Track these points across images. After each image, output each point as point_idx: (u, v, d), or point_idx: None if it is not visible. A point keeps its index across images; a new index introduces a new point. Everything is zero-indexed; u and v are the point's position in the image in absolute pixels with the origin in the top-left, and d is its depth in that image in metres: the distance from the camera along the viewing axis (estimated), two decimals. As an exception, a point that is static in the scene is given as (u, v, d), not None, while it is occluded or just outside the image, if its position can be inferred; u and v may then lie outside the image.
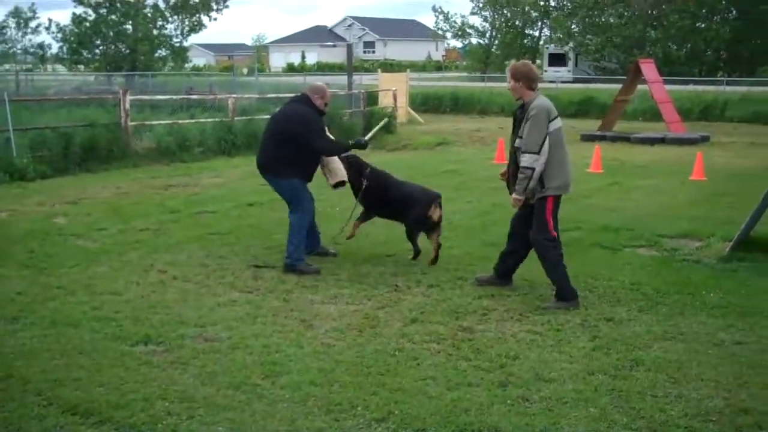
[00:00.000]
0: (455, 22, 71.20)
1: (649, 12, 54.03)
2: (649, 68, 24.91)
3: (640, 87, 26.79)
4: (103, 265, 8.38)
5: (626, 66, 45.34)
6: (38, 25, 56.26)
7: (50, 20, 50.54)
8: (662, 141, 22.61)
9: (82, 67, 52.57)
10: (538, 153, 6.84)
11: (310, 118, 8.26)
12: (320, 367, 5.57)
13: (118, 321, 6.54)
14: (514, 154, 7.15)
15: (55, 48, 53.46)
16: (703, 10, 54.05)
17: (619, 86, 27.41)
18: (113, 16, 48.87)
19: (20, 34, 57.29)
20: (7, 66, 55.25)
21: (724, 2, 55.21)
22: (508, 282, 7.59)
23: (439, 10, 71.83)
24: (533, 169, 6.85)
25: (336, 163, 8.64)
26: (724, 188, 13.96)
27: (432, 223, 8.47)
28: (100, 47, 50.24)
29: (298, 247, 8.25)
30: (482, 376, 5.42)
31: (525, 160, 6.88)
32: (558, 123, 7.01)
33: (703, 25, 54.93)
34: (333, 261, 8.55)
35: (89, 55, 50.83)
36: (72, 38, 48.99)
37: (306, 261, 8.25)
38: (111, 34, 49.14)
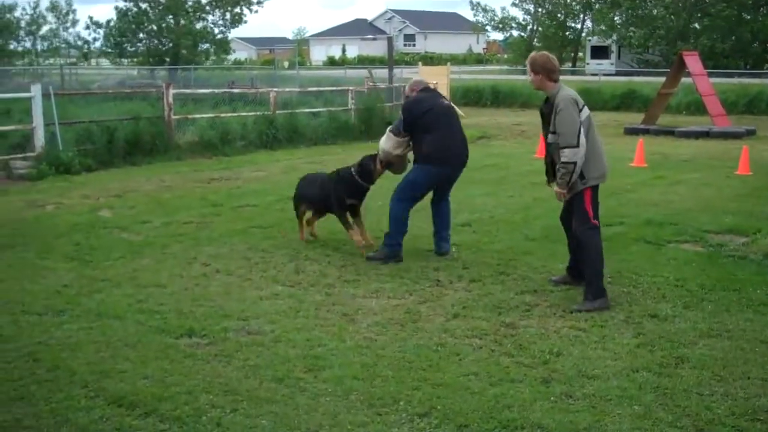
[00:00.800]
0: (495, 15, 70.81)
1: (694, 3, 53.28)
2: (693, 61, 24.57)
3: (684, 80, 26.45)
4: (147, 257, 8.48)
5: (670, 59, 44.88)
6: (76, 21, 57.07)
7: (90, 18, 51.23)
8: (707, 134, 22.31)
9: (125, 60, 53.13)
10: (578, 145, 6.71)
11: None
12: (362, 362, 5.58)
13: (162, 313, 6.61)
14: (549, 149, 7.14)
15: (97, 44, 54.14)
16: (750, 1, 53.18)
17: (662, 79, 27.12)
18: (156, 10, 49.33)
19: (61, 28, 58.09)
20: (51, 60, 55.98)
21: (770, -7, 54.27)
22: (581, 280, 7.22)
23: (476, 3, 71.27)
24: (575, 163, 6.74)
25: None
26: (771, 183, 13.74)
27: None
28: (143, 41, 50.76)
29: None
30: (525, 372, 5.39)
31: (566, 155, 6.75)
32: (587, 111, 6.92)
33: (749, 17, 54.05)
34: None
35: (132, 49, 51.37)
36: (115, 32, 49.54)
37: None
38: (154, 28, 49.61)
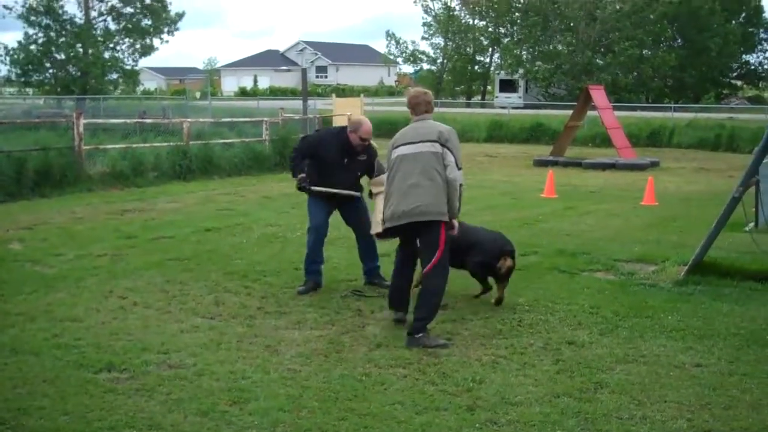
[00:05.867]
0: (407, 48, 71.81)
1: (597, 39, 55.08)
2: (598, 95, 25.39)
3: (590, 113, 27.28)
4: (62, 291, 8.27)
5: (574, 93, 46.21)
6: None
7: (3, 45, 49.69)
8: (613, 166, 23.04)
9: (30, 90, 51.88)
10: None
11: None
12: (288, 393, 5.56)
13: (79, 348, 6.46)
14: None
15: (3, 71, 52.73)
16: (650, 38, 55.31)
17: (568, 112, 27.95)
18: (63, 39, 48.38)
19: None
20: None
21: (670, 31, 56.59)
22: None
23: (392, 35, 72.39)
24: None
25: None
26: (675, 212, 14.26)
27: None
28: (51, 70, 49.67)
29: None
30: (450, 400, 5.46)
31: None
32: (401, 151, 6.89)
33: (650, 53, 56.20)
34: (294, 286, 8.49)
35: (39, 78, 50.19)
36: (22, 60, 48.34)
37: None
38: (62, 56, 48.63)
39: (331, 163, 8.31)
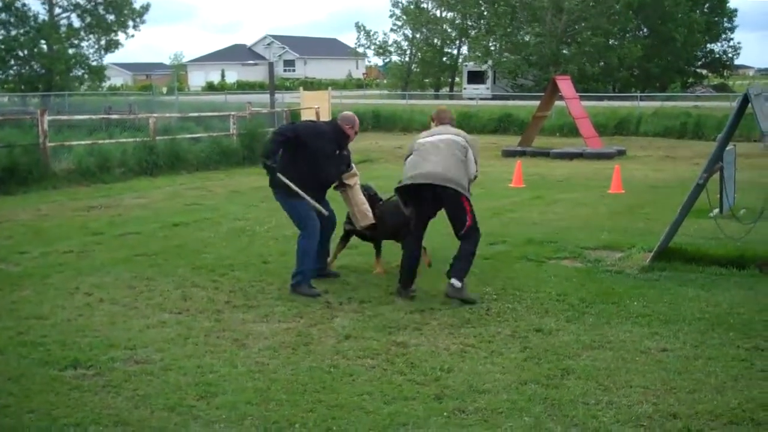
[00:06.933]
0: (376, 39, 71.76)
1: (564, 30, 55.37)
2: (565, 85, 25.50)
3: (557, 103, 27.41)
4: (27, 288, 8.18)
5: (542, 83, 46.46)
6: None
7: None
8: (580, 155, 23.18)
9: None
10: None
11: None
12: (255, 386, 5.54)
13: (45, 345, 6.39)
14: None
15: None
16: (616, 29, 55.72)
17: (536, 103, 28.05)
18: (26, 36, 47.80)
19: None
20: None
21: (635, 21, 57.01)
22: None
23: (362, 26, 72.37)
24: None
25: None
26: (642, 200, 14.38)
27: None
28: (14, 67, 49.07)
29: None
30: (418, 390, 5.47)
31: None
32: (424, 140, 7.93)
33: (616, 43, 56.62)
34: (262, 280, 8.49)
35: (2, 75, 49.59)
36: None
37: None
38: (25, 53, 48.06)
39: (325, 154, 8.11)
